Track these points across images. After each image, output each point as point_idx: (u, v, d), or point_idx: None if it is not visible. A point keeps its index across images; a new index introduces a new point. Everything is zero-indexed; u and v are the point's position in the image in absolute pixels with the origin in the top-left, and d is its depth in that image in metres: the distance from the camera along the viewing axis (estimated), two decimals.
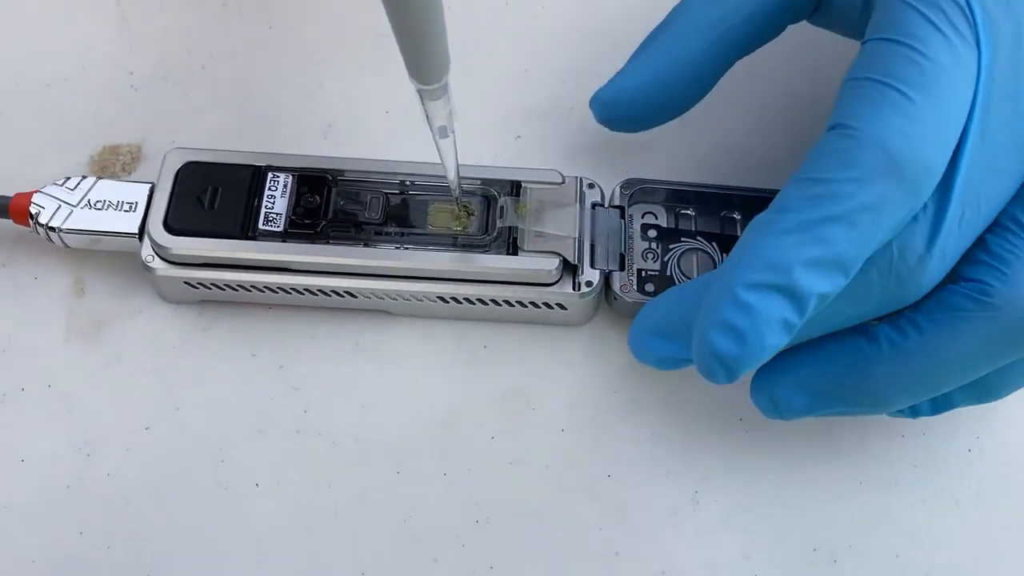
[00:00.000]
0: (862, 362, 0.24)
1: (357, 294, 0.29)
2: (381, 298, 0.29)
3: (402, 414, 0.29)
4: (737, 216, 0.31)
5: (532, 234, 0.29)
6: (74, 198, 0.29)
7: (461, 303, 0.29)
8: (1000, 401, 0.29)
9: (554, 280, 0.28)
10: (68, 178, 0.30)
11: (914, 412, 0.26)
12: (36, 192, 0.29)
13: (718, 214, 0.31)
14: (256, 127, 0.33)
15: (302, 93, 0.34)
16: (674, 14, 0.28)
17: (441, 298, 0.29)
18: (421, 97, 0.23)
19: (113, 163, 0.32)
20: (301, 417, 0.29)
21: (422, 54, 0.22)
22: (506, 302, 0.29)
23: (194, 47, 0.34)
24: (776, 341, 0.22)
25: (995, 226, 0.24)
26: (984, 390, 0.26)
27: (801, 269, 0.21)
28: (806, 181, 0.22)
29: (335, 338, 0.30)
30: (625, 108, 0.28)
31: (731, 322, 0.21)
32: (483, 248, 0.29)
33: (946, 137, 0.22)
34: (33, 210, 0.29)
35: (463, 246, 0.29)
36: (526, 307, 0.29)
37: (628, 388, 0.29)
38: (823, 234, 0.21)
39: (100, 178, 0.30)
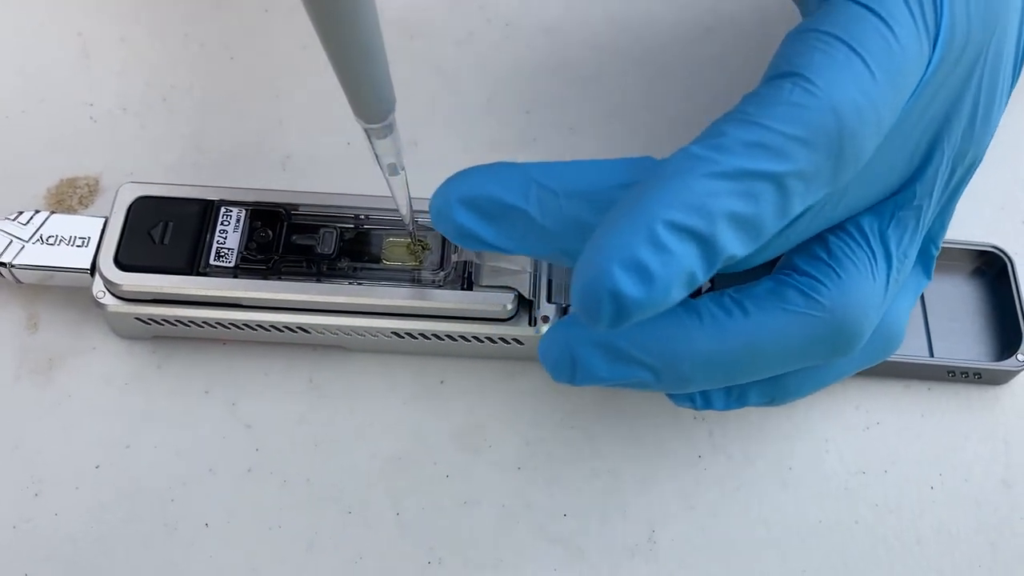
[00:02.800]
0: (678, 333, 0.22)
1: (311, 330, 0.28)
2: (335, 334, 0.29)
3: (355, 452, 0.28)
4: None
5: (488, 268, 0.28)
6: (26, 233, 0.29)
7: (416, 338, 0.29)
8: (963, 438, 0.29)
9: (509, 315, 0.28)
10: (20, 212, 0.29)
11: (706, 402, 0.25)
12: None
13: None
14: (215, 160, 0.33)
15: (262, 126, 0.33)
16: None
17: (396, 333, 0.29)
18: (368, 136, 0.23)
19: (70, 196, 0.32)
20: (253, 456, 0.28)
21: (365, 93, 0.22)
22: (462, 337, 0.29)
23: (154, 79, 0.34)
24: (678, 295, 0.19)
25: (839, 229, 0.23)
26: (781, 390, 0.25)
27: (724, 222, 0.19)
28: (752, 125, 0.20)
29: (289, 374, 0.29)
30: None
31: (642, 261, 0.18)
32: (438, 283, 0.28)
33: (884, 127, 0.21)
34: None
35: (418, 281, 0.28)
36: (482, 342, 0.29)
37: (585, 425, 0.29)
38: (753, 190, 0.19)
39: (53, 212, 0.29)
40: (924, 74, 0.21)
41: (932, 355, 0.29)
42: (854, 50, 0.20)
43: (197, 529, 0.27)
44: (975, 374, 0.29)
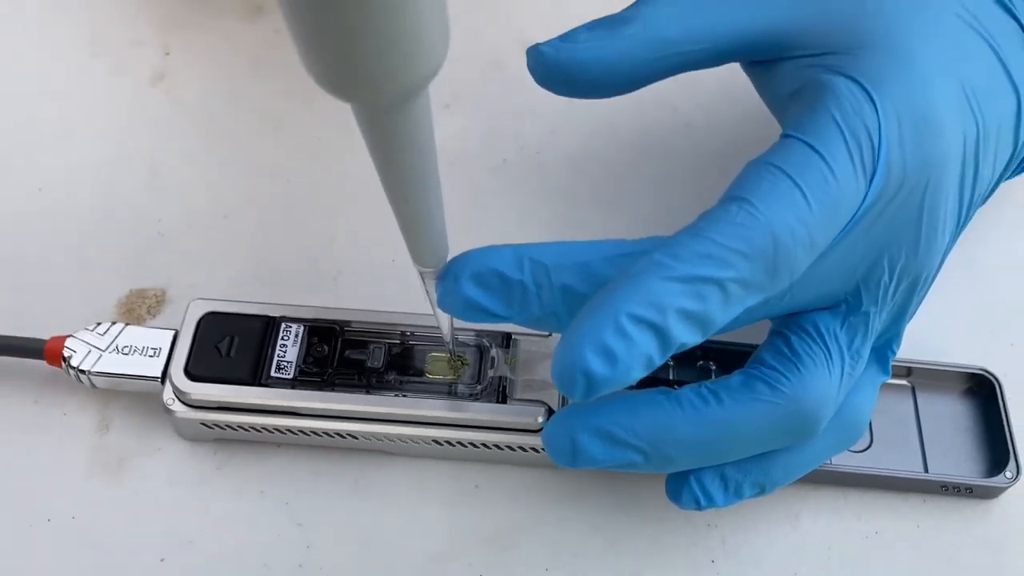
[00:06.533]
0: (663, 419, 0.26)
1: (359, 436, 0.31)
2: (381, 440, 0.31)
3: (397, 551, 0.31)
4: (712, 366, 0.33)
5: (521, 383, 0.31)
6: (103, 343, 0.32)
7: (454, 446, 0.31)
8: (957, 549, 0.31)
9: (539, 428, 0.31)
10: (99, 323, 0.32)
11: (708, 499, 0.28)
12: (69, 337, 0.32)
13: (695, 364, 0.33)
14: (272, 274, 0.36)
15: (315, 242, 0.37)
16: (636, 16, 0.29)
17: (436, 441, 0.31)
18: (423, 277, 0.26)
19: (139, 306, 0.35)
20: (304, 552, 0.31)
21: (425, 246, 0.25)
22: (496, 446, 0.31)
23: (218, 198, 0.38)
24: (638, 374, 0.23)
25: (799, 329, 0.27)
26: (769, 479, 0.28)
27: (675, 317, 0.23)
28: (702, 239, 0.24)
29: (337, 476, 0.32)
30: (562, 74, 0.29)
31: (609, 346, 0.22)
32: (475, 396, 0.31)
33: (817, 248, 0.25)
34: (66, 353, 0.32)
35: (456, 394, 0.31)
36: (514, 451, 0.31)
37: (608, 527, 0.31)
38: (702, 292, 0.23)
39: (127, 324, 0.32)
40: (861, 205, 0.25)
41: (927, 470, 0.32)
42: (795, 183, 0.24)
43: None
44: (966, 489, 0.32)
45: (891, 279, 0.27)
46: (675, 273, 0.23)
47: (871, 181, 0.25)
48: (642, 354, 0.23)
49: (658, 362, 0.23)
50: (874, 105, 0.25)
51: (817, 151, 0.24)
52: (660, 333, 0.23)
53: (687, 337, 0.24)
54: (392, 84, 0.17)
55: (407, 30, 0.16)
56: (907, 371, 0.33)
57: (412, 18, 0.16)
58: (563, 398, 0.31)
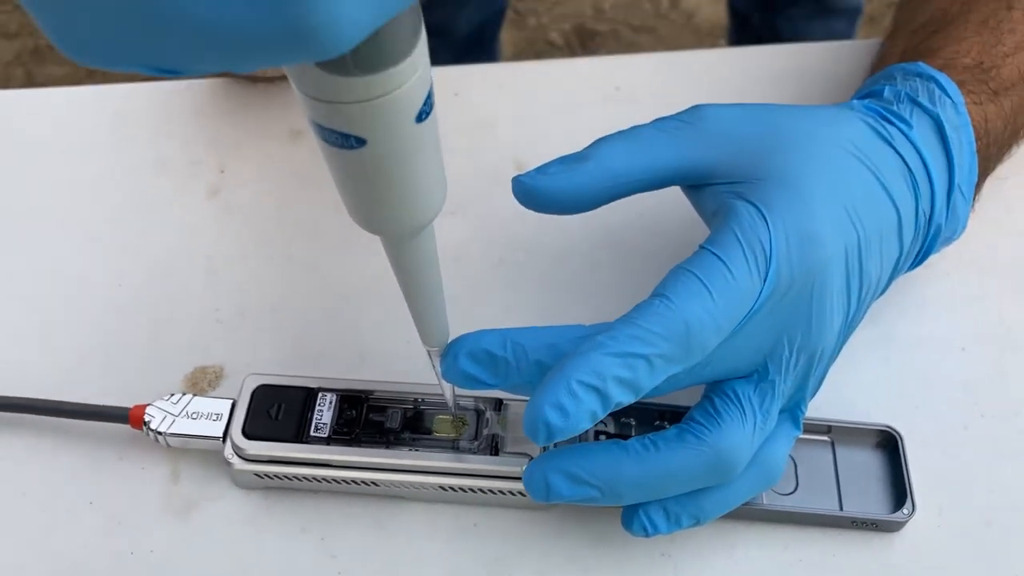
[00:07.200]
0: (615, 463, 0.33)
1: (380, 484, 0.39)
2: (398, 487, 0.39)
3: None
4: (666, 424, 0.41)
5: (510, 439, 0.39)
6: (176, 410, 0.40)
7: (456, 491, 0.39)
8: (865, 574, 0.38)
9: None
10: (172, 394, 0.40)
11: (654, 527, 0.35)
12: (149, 405, 0.40)
13: (652, 423, 0.41)
14: (311, 354, 0.44)
15: (344, 328, 0.45)
16: (593, 154, 0.37)
17: (442, 487, 0.39)
18: (430, 354, 0.34)
19: (201, 379, 0.43)
20: None
21: (431, 330, 0.33)
22: (490, 491, 0.39)
23: (265, 292, 0.46)
24: (585, 425, 0.31)
25: (721, 393, 0.34)
26: (703, 513, 0.35)
27: (612, 382, 0.31)
28: (632, 324, 0.31)
29: (363, 517, 0.40)
30: (538, 199, 0.37)
31: (563, 404, 0.30)
32: (473, 450, 0.39)
33: (723, 331, 0.32)
34: (147, 418, 0.40)
35: (458, 448, 0.39)
36: (506, 495, 0.39)
37: (583, 557, 0.39)
38: (632, 364, 0.31)
39: (195, 395, 0.41)
40: (757, 299, 0.33)
41: (842, 509, 0.39)
42: (703, 283, 0.32)
43: None
44: (872, 523, 0.39)
45: (791, 354, 0.35)
46: (612, 350, 0.31)
47: (765, 280, 0.33)
48: (588, 410, 0.31)
49: (601, 415, 0.31)
50: (767, 224, 0.33)
51: (721, 259, 0.33)
52: (601, 394, 0.31)
53: (622, 397, 0.31)
54: (404, 226, 0.25)
55: (415, 195, 0.24)
56: (828, 428, 0.41)
57: (419, 190, 0.24)
58: (543, 449, 0.39)
